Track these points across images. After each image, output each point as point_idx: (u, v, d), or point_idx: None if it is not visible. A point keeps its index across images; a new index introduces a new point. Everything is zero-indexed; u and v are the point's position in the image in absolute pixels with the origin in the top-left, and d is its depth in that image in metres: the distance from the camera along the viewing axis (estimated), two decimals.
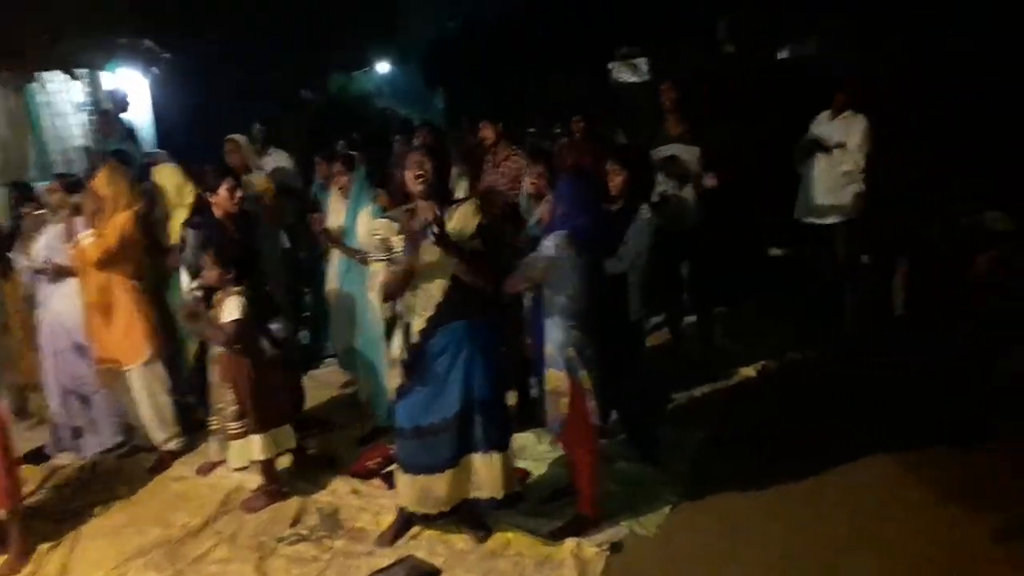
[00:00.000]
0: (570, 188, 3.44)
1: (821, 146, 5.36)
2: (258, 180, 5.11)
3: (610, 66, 10.07)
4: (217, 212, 4.10)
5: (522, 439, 4.28)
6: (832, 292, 5.60)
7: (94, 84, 8.12)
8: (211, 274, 3.78)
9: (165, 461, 4.42)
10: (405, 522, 3.52)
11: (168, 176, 4.63)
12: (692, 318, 5.49)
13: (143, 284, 4.42)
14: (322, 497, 3.95)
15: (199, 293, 3.86)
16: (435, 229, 3.00)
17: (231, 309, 3.72)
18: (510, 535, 3.46)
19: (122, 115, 7.28)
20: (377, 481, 4.04)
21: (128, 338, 4.32)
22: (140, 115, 8.33)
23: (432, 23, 13.25)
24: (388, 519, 3.62)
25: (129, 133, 7.15)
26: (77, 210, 4.39)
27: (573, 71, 10.34)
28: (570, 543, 3.37)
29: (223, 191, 4.06)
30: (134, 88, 8.28)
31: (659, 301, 5.44)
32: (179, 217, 4.54)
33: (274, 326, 4.01)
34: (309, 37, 10.05)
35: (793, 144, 5.56)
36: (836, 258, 5.53)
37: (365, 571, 3.34)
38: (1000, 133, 5.85)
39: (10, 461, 3.56)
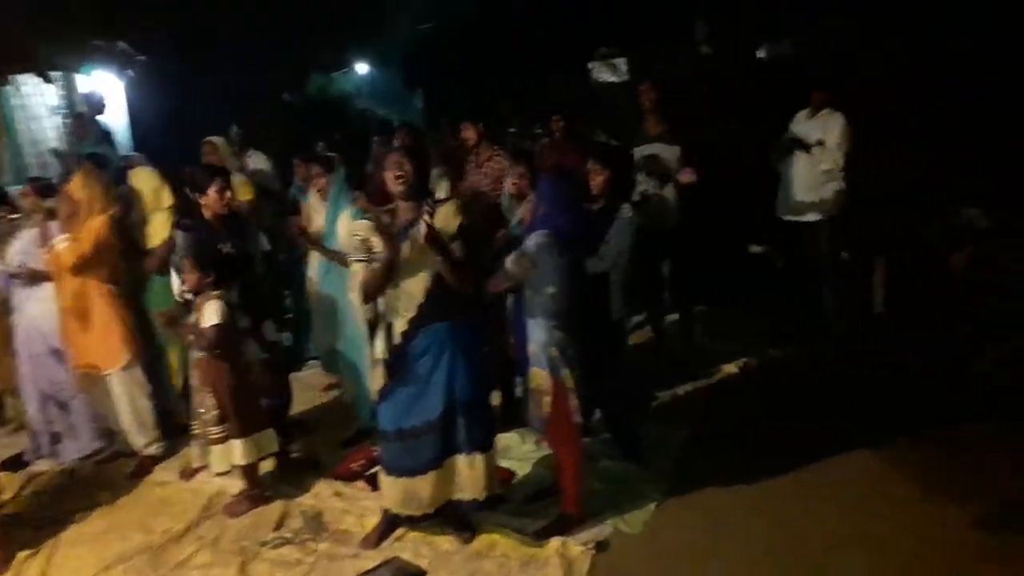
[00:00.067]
0: (551, 188, 3.45)
1: (801, 144, 5.40)
2: (237, 182, 5.07)
3: (590, 66, 10.09)
4: (206, 213, 4.05)
5: (506, 439, 4.28)
6: (812, 290, 5.64)
7: (69, 87, 8.05)
8: (190, 278, 3.75)
9: (146, 466, 4.38)
10: (389, 524, 3.51)
11: (145, 179, 4.58)
12: (674, 316, 5.52)
13: (119, 288, 4.38)
14: (305, 500, 3.93)
15: (190, 296, 3.82)
16: (428, 220, 3.00)
17: (211, 313, 3.69)
18: (495, 535, 3.45)
19: (98, 118, 7.21)
20: (361, 483, 4.02)
21: (105, 343, 4.28)
22: (115, 118, 8.26)
23: (412, 24, 13.20)
24: (372, 521, 3.60)
25: (105, 136, 7.09)
26: (51, 214, 4.33)
27: (553, 71, 10.34)
28: (555, 542, 3.37)
29: (212, 192, 4.00)
30: (109, 91, 8.21)
31: (641, 300, 5.46)
32: (157, 221, 4.50)
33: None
34: (288, 38, 9.98)
35: (773, 142, 5.60)
36: (816, 256, 5.57)
37: (350, 573, 3.32)
38: (980, 131, 5.93)
39: None
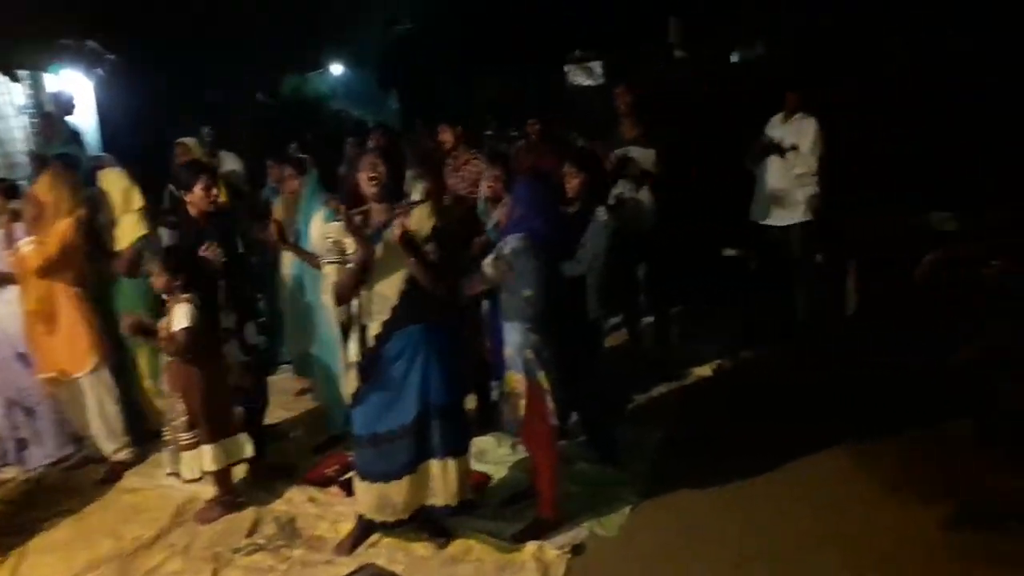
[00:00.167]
0: (527, 190, 3.45)
1: (775, 148, 5.43)
2: None
3: (565, 69, 10.11)
4: (192, 211, 3.98)
5: (482, 443, 4.27)
6: (786, 292, 5.69)
7: (36, 86, 7.92)
8: (159, 281, 3.69)
9: (116, 472, 4.30)
10: (364, 529, 3.48)
11: (114, 181, 4.50)
12: (649, 319, 5.54)
13: (86, 291, 4.30)
14: (278, 506, 3.88)
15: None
16: (402, 223, 2.98)
17: (181, 317, 3.63)
18: (471, 540, 3.43)
19: (67, 118, 7.09)
20: (335, 489, 3.99)
21: (72, 347, 4.21)
22: (84, 118, 8.12)
23: (386, 25, 13.16)
24: (346, 527, 3.57)
25: (74, 136, 6.98)
26: (16, 216, 4.25)
27: (529, 74, 10.36)
28: (531, 546, 3.36)
29: (198, 189, 3.93)
30: (78, 90, 8.08)
31: (616, 302, 5.47)
32: (126, 222, 4.43)
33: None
34: (262, 38, 9.89)
35: (747, 145, 5.63)
36: (790, 259, 5.61)
37: None
38: (950, 134, 6.02)
39: None
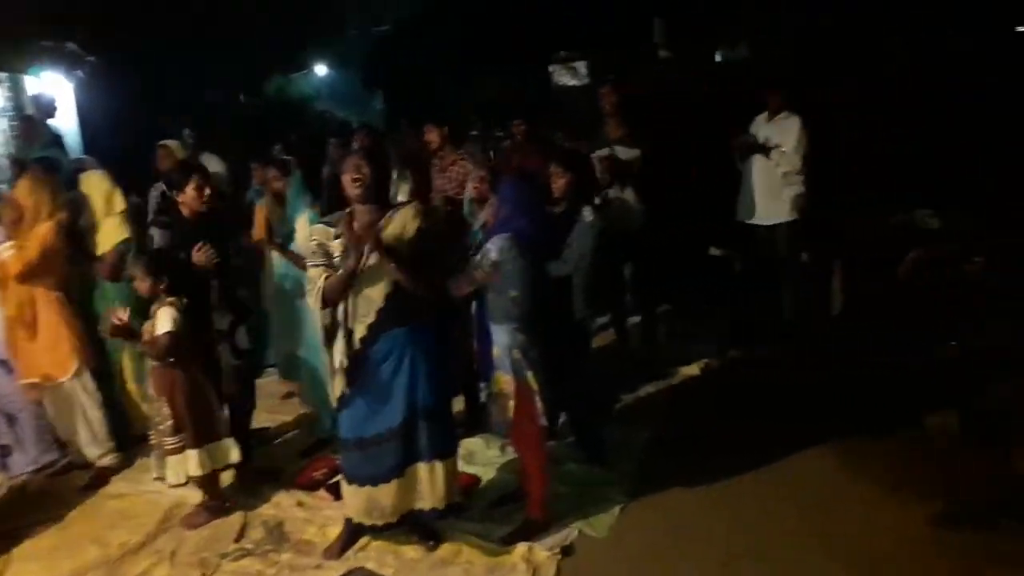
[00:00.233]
0: (512, 190, 3.44)
1: (760, 147, 5.45)
2: None
3: (550, 69, 10.12)
4: (184, 211, 3.94)
5: (471, 444, 4.26)
6: (772, 291, 5.71)
7: (16, 88, 7.83)
8: (142, 285, 3.65)
9: (101, 478, 4.26)
10: (352, 533, 3.46)
11: (96, 184, 4.46)
12: (636, 318, 5.55)
13: (67, 295, 4.26)
14: (266, 510, 3.85)
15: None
16: (375, 236, 2.98)
17: (164, 321, 3.59)
18: (460, 542, 3.42)
19: (49, 121, 7.02)
20: (323, 492, 3.96)
21: (54, 352, 4.16)
22: (64, 120, 8.04)
23: (371, 25, 13.14)
24: (335, 531, 3.55)
25: (55, 139, 6.90)
26: None
27: (514, 74, 10.37)
28: (521, 548, 3.35)
29: (190, 189, 3.88)
30: (58, 92, 8.00)
31: (603, 302, 5.48)
32: (108, 225, 4.39)
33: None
34: (246, 39, 9.84)
35: (733, 143, 5.64)
36: (776, 258, 5.63)
37: None
38: (934, 134, 6.07)
39: None
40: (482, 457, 4.19)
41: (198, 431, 3.66)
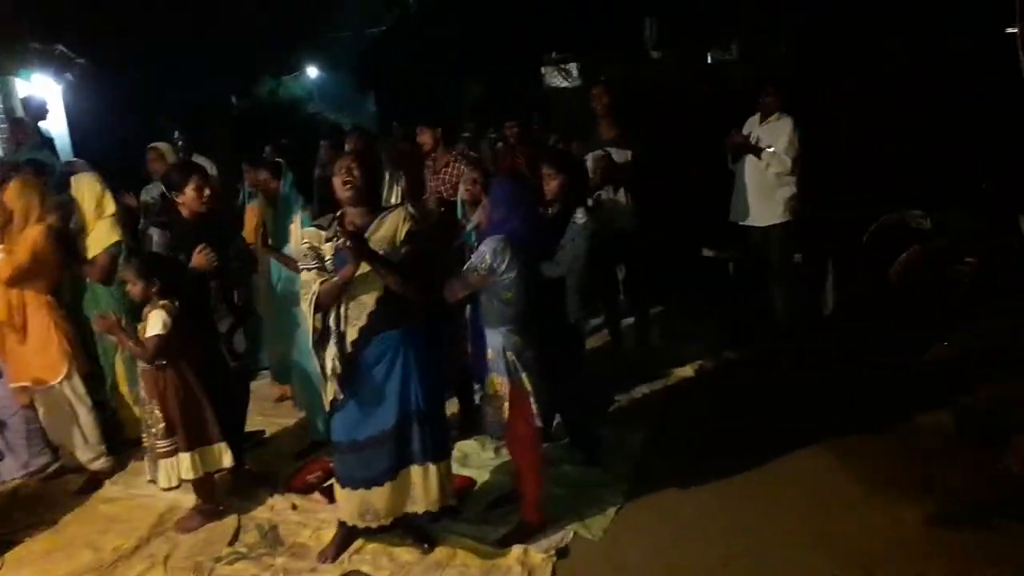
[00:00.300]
0: (504, 192, 3.43)
1: (751, 148, 5.45)
2: None
3: (542, 71, 10.12)
4: (184, 212, 3.93)
5: (466, 446, 4.26)
6: (765, 292, 5.72)
7: (6, 91, 7.80)
8: (134, 289, 3.63)
9: (93, 482, 4.24)
10: (346, 536, 3.45)
11: (87, 186, 4.43)
12: (630, 320, 5.55)
13: (58, 299, 4.23)
14: (261, 513, 3.84)
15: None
16: (347, 244, 2.94)
17: (154, 323, 3.57)
18: (456, 545, 3.42)
19: (39, 123, 6.99)
20: (317, 495, 3.95)
21: (44, 355, 4.13)
22: (54, 123, 8.01)
23: (363, 26, 13.12)
24: (329, 534, 3.53)
25: (46, 142, 6.87)
26: None
27: (507, 76, 10.37)
28: (516, 550, 3.35)
29: (190, 190, 3.87)
30: (48, 94, 7.96)
31: (597, 304, 5.49)
32: (99, 228, 4.36)
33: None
34: (237, 41, 9.81)
35: (725, 143, 5.64)
36: (769, 259, 5.63)
37: None
38: (925, 134, 6.09)
39: None
40: (476, 459, 4.19)
41: (190, 434, 3.64)
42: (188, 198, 3.89)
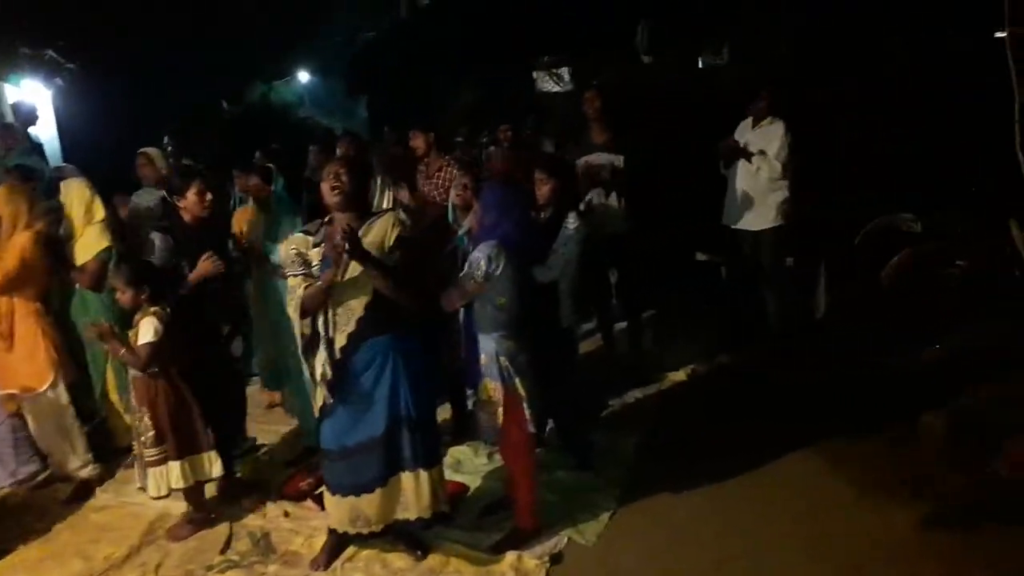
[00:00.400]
0: (495, 196, 3.42)
1: (743, 152, 5.45)
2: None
3: (534, 75, 10.14)
4: (186, 216, 3.91)
5: (459, 452, 4.25)
6: (757, 296, 5.72)
7: None
8: (124, 296, 3.61)
9: (82, 490, 4.20)
10: (338, 543, 3.43)
11: (76, 192, 4.40)
12: (622, 324, 5.54)
13: (46, 306, 4.20)
14: (252, 521, 3.82)
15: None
16: (346, 245, 2.92)
17: (146, 331, 3.55)
18: (449, 552, 3.40)
19: (29, 129, 6.96)
20: (309, 502, 3.93)
21: (32, 363, 4.09)
22: (44, 128, 7.97)
23: (355, 31, 13.09)
24: (322, 541, 3.51)
25: (36, 148, 6.84)
26: None
27: (500, 80, 10.37)
28: (510, 556, 3.34)
29: (191, 195, 3.86)
30: (38, 100, 7.93)
31: (589, 308, 5.48)
32: (88, 234, 4.33)
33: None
34: (228, 45, 9.77)
35: (717, 148, 5.64)
36: (761, 263, 5.63)
37: None
38: (916, 137, 6.11)
39: None
40: (470, 465, 4.18)
41: (180, 443, 3.62)
42: (190, 203, 3.89)
